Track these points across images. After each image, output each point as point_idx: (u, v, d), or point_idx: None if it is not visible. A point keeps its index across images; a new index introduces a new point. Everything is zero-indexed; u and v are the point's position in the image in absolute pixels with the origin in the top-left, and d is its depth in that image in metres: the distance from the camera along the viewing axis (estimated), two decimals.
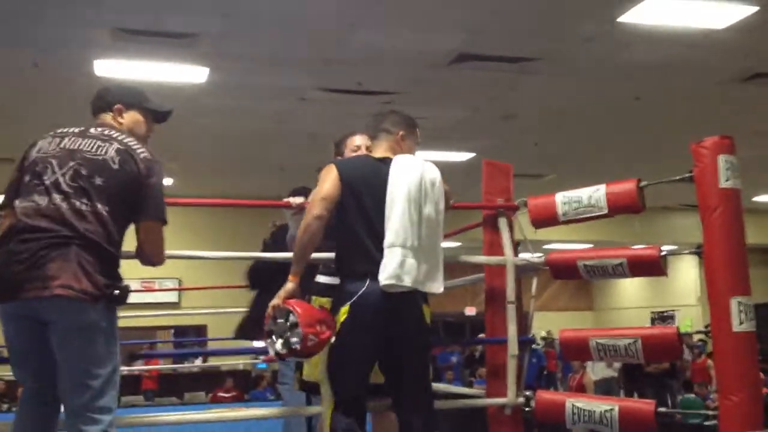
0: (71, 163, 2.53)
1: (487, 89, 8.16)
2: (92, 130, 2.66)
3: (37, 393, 2.58)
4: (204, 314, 11.25)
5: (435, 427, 2.84)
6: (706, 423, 6.57)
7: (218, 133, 9.66)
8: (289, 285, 2.83)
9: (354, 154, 3.34)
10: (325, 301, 3.07)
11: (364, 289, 2.77)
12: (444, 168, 10.74)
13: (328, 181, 2.88)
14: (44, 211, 2.46)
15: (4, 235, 2.50)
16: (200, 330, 12.22)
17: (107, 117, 2.77)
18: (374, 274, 2.76)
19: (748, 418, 2.90)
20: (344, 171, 2.92)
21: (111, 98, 2.80)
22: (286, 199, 3.50)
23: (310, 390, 3.26)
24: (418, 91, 8.12)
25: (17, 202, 2.53)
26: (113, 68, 6.90)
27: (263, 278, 4.41)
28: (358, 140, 3.41)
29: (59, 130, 2.67)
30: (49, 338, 2.47)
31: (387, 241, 2.77)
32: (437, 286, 2.85)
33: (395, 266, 2.72)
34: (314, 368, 3.11)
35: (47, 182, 2.51)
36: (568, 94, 8.36)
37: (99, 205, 2.49)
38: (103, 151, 2.56)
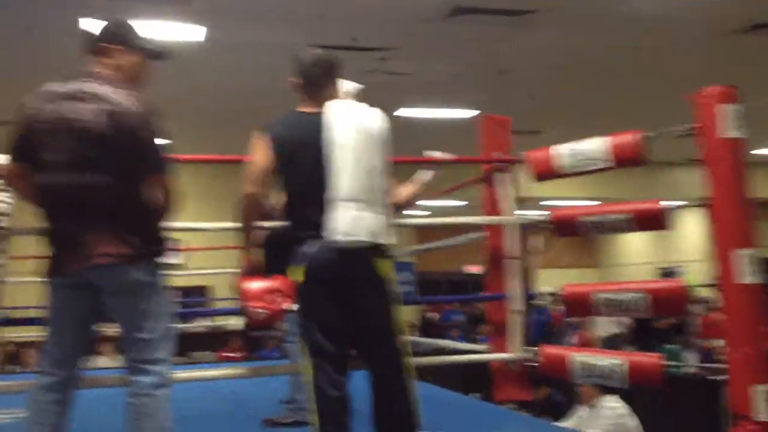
0: (69, 136, 2.48)
1: (482, 43, 8.06)
2: (79, 86, 2.54)
3: (53, 386, 2.57)
4: (209, 274, 11.29)
5: (402, 378, 2.80)
6: (714, 377, 6.62)
7: (213, 91, 9.61)
8: (242, 264, 2.84)
9: None
10: None
11: (315, 249, 2.70)
12: (438, 124, 10.71)
13: (258, 151, 2.80)
14: (62, 190, 2.49)
15: (40, 215, 2.57)
16: (205, 290, 12.27)
17: (98, 62, 2.64)
18: (322, 235, 2.69)
19: (756, 371, 2.89)
20: (275, 135, 2.81)
21: (111, 37, 2.66)
22: None
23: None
24: (413, 45, 8.04)
25: (34, 176, 2.55)
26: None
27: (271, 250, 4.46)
28: None
29: (47, 89, 2.57)
30: (91, 307, 2.57)
31: (337, 196, 2.66)
32: (390, 237, 2.74)
33: (348, 221, 2.65)
34: None
35: (55, 159, 2.49)
36: (565, 47, 8.25)
37: (106, 176, 2.49)
38: (96, 115, 2.49)
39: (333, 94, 2.86)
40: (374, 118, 2.77)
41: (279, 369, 4.47)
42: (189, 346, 11.50)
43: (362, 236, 2.64)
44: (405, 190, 3.45)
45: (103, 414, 4.66)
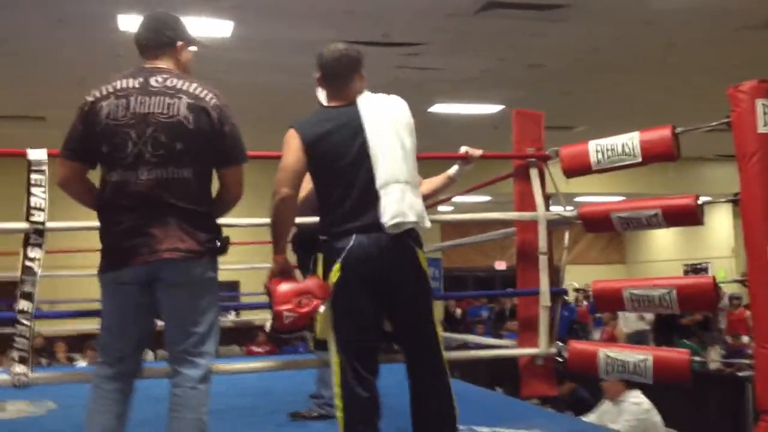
0: (148, 131, 2.48)
1: (513, 38, 8.02)
2: (153, 81, 2.55)
3: (116, 376, 2.60)
4: (236, 269, 11.35)
5: (442, 373, 2.79)
6: (742, 374, 6.58)
7: (244, 89, 9.63)
8: (273, 266, 2.82)
9: None
10: None
11: (351, 243, 2.69)
12: (470, 120, 10.66)
13: (291, 152, 2.77)
14: (134, 188, 2.49)
15: (102, 210, 2.58)
16: (233, 285, 12.35)
17: (166, 58, 2.64)
18: (359, 228, 2.68)
19: None
20: (306, 133, 2.78)
21: (172, 34, 2.66)
22: None
23: (324, 348, 3.27)
24: (444, 41, 8.01)
25: (104, 174, 2.54)
26: (138, 23, 6.87)
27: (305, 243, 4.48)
28: None
29: (118, 86, 2.55)
30: (151, 300, 2.57)
31: (380, 181, 2.66)
32: (428, 222, 2.76)
33: (396, 203, 2.64)
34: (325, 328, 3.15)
35: (130, 155, 2.49)
36: (597, 42, 8.18)
37: (185, 170, 2.51)
38: (175, 109, 2.50)
39: (358, 88, 2.85)
40: (400, 107, 2.81)
41: (306, 364, 4.49)
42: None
43: (411, 217, 2.65)
44: (430, 183, 3.47)
45: (141, 405, 4.75)
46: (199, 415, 2.54)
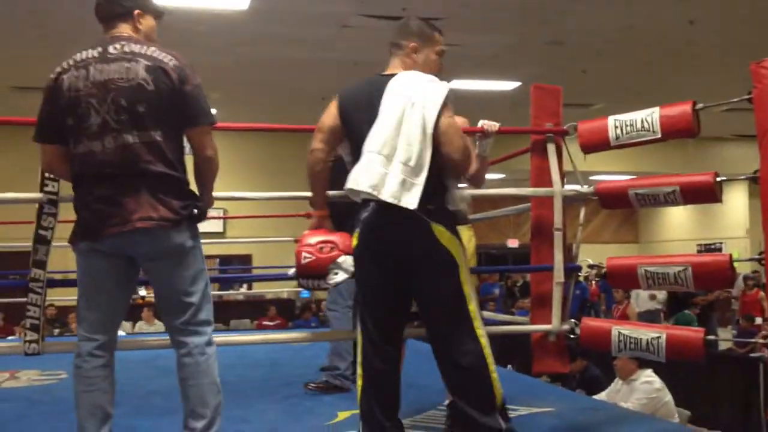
0: (109, 97, 2.47)
1: (535, 14, 7.92)
2: (111, 49, 2.54)
3: (96, 352, 2.59)
4: (249, 243, 11.38)
5: (467, 352, 2.60)
6: (754, 354, 6.55)
7: (259, 62, 9.60)
8: (312, 220, 2.89)
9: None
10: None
11: (366, 213, 2.67)
12: (489, 97, 10.61)
13: (326, 111, 2.82)
14: (102, 156, 2.47)
15: (74, 182, 2.57)
16: (245, 259, 12.41)
17: (124, 26, 2.63)
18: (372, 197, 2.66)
19: None
20: (342, 97, 2.81)
21: (130, 3, 2.64)
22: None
23: None
24: (464, 16, 7.93)
25: (73, 148, 2.52)
26: None
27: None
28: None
29: (78, 57, 2.54)
30: (127, 272, 2.58)
31: (366, 148, 2.65)
32: (410, 201, 2.56)
33: (358, 168, 2.63)
34: None
35: (94, 124, 2.47)
36: (618, 19, 8.08)
37: (150, 133, 2.48)
38: (133, 73, 2.48)
39: (403, 61, 2.82)
40: (427, 91, 2.68)
41: (317, 336, 4.50)
42: (228, 314, 11.70)
43: (365, 187, 2.58)
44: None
45: (148, 376, 4.79)
46: (213, 378, 2.59)
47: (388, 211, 2.57)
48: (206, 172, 2.66)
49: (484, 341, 2.62)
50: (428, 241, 2.58)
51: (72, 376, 2.62)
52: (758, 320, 9.88)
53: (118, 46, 2.53)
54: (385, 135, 2.61)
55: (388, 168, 2.58)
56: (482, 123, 3.35)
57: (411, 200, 2.53)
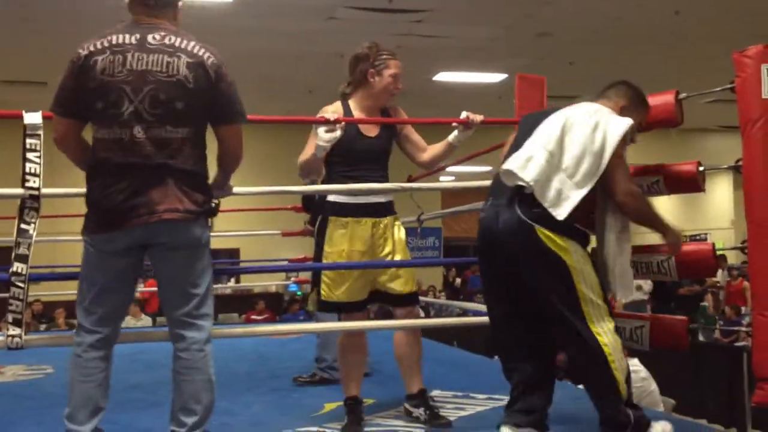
0: (146, 89, 2.44)
1: (521, 5, 7.93)
2: (150, 39, 2.50)
3: (96, 344, 2.58)
4: (236, 236, 11.36)
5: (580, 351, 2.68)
6: (739, 343, 6.61)
7: (245, 54, 9.54)
8: None
9: (388, 82, 3.22)
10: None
11: (486, 212, 2.81)
12: (476, 89, 10.62)
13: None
14: (130, 146, 2.45)
15: (93, 169, 2.53)
16: (232, 253, 12.37)
17: (165, 16, 2.58)
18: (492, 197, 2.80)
19: None
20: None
21: None
22: None
23: (329, 310, 3.28)
24: (450, 8, 7.93)
25: (97, 132, 2.50)
26: None
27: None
28: (393, 67, 3.24)
29: (113, 40, 2.49)
30: (137, 265, 2.58)
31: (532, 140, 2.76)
32: (560, 212, 2.61)
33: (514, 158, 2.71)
34: (333, 290, 3.16)
35: (126, 112, 2.44)
36: (605, 11, 8.10)
37: (183, 129, 2.48)
38: (174, 68, 2.46)
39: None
40: (614, 117, 2.76)
41: (305, 329, 4.50)
42: (216, 308, 11.67)
43: (525, 176, 2.63)
44: (431, 150, 3.42)
45: (131, 370, 4.77)
46: (208, 376, 2.58)
47: (501, 207, 2.66)
48: (231, 165, 2.71)
49: (604, 339, 2.62)
50: (533, 245, 2.61)
51: (69, 364, 2.60)
52: (744, 310, 9.96)
53: (158, 36, 2.50)
54: (553, 133, 2.65)
55: (551, 169, 2.61)
56: (466, 114, 3.34)
57: (562, 211, 2.58)
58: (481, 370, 4.93)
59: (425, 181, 3.97)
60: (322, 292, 3.20)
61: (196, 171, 2.54)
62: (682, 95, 3.16)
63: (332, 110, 3.23)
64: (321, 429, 3.20)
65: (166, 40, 2.50)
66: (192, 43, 2.53)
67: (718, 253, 3.18)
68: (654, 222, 2.77)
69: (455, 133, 3.39)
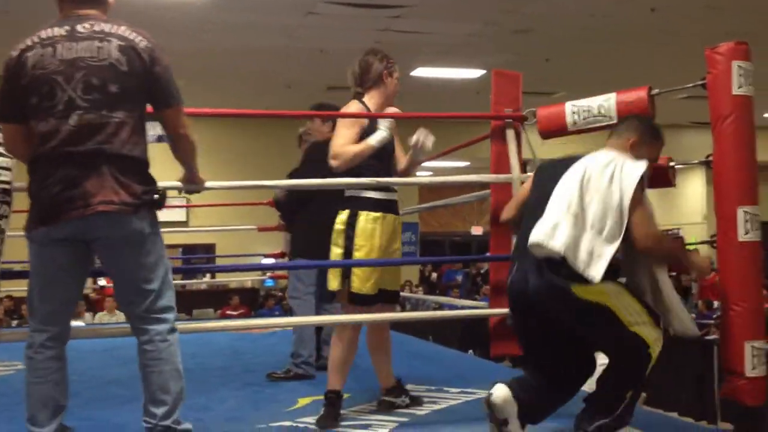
0: (78, 75, 2.42)
1: (499, 2, 7.95)
2: (80, 28, 2.48)
3: (47, 343, 2.54)
4: (212, 231, 11.31)
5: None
6: (709, 337, 6.67)
7: (224, 49, 9.52)
8: None
9: (396, 83, 3.40)
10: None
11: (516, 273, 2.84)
12: (454, 85, 10.63)
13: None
14: (65, 135, 2.41)
15: (33, 163, 2.49)
16: (208, 248, 12.32)
17: (94, 7, 2.55)
18: None
19: (749, 328, 2.89)
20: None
21: None
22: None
23: (361, 303, 3.29)
24: (429, 3, 7.93)
25: (35, 127, 2.46)
26: None
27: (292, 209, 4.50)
28: (398, 71, 3.44)
29: (42, 35, 2.47)
30: (84, 259, 2.53)
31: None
32: (594, 274, 2.60)
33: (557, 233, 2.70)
34: (364, 283, 3.22)
35: (60, 102, 2.42)
36: (583, 8, 8.14)
37: (120, 113, 2.45)
38: (105, 52, 2.44)
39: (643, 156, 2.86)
40: (628, 164, 2.74)
41: (281, 324, 4.49)
42: (191, 304, 11.61)
43: (555, 248, 2.63)
44: (403, 160, 3.48)
45: (107, 365, 4.74)
46: (176, 366, 2.56)
47: (538, 276, 2.64)
48: (183, 149, 2.65)
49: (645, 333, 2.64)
50: (575, 304, 2.61)
51: (25, 368, 2.57)
52: (715, 304, 10.07)
53: (87, 25, 2.48)
54: (573, 194, 2.64)
55: (578, 231, 2.60)
56: (416, 138, 3.36)
57: (597, 271, 2.56)
58: (455, 365, 4.96)
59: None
60: (354, 284, 3.24)
61: (134, 156, 2.48)
62: (655, 91, 3.20)
63: (356, 108, 3.34)
64: (295, 424, 3.19)
65: (96, 27, 2.48)
66: (123, 28, 2.50)
67: (690, 248, 3.22)
68: (678, 261, 2.81)
69: (409, 155, 3.45)
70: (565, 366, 2.79)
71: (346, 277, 3.27)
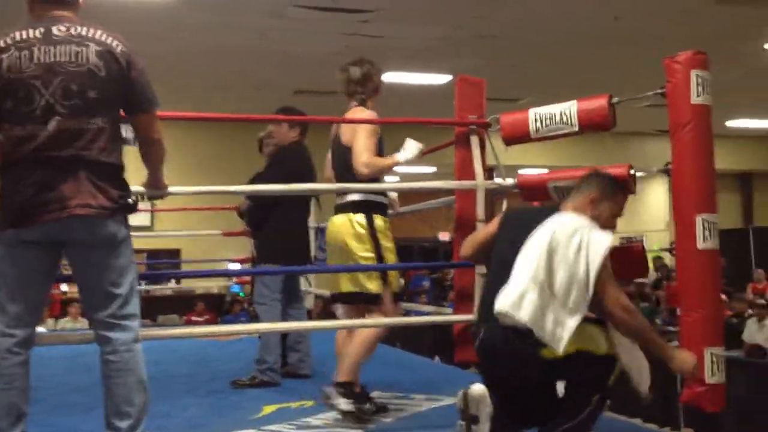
0: (56, 80, 2.40)
1: (466, 7, 8.00)
2: (55, 30, 2.46)
3: (15, 349, 2.48)
4: (177, 236, 11.20)
5: None
6: (672, 344, 6.76)
7: (191, 51, 9.44)
8: None
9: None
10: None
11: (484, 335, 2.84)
12: (421, 91, 10.63)
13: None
14: (44, 140, 2.39)
15: (5, 166, 2.46)
16: (173, 253, 12.19)
17: (65, 10, 2.52)
18: None
19: (708, 334, 2.94)
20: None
21: None
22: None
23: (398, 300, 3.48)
24: (395, 8, 7.95)
25: (9, 130, 2.43)
26: None
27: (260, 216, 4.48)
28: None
29: (17, 38, 2.44)
30: (53, 262, 2.51)
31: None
32: (560, 346, 2.61)
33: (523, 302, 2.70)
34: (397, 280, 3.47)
35: (39, 107, 2.40)
36: (549, 15, 8.22)
37: (98, 119, 2.44)
38: (83, 58, 2.43)
39: (604, 212, 2.88)
40: (595, 236, 2.72)
41: (246, 331, 4.45)
42: (156, 310, 11.48)
43: (521, 318, 2.63)
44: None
45: (69, 372, 4.67)
46: (140, 377, 2.53)
47: (504, 342, 2.63)
48: (154, 154, 2.66)
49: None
50: (546, 366, 2.63)
51: None
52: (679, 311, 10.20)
53: (62, 27, 2.46)
54: (540, 261, 2.62)
55: (544, 302, 2.59)
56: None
57: (562, 342, 2.56)
58: (422, 371, 4.96)
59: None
60: (393, 285, 3.43)
61: (111, 162, 2.48)
62: (615, 99, 3.24)
63: (369, 115, 3.49)
64: (259, 431, 3.17)
65: (72, 31, 2.46)
66: (99, 32, 2.49)
67: (652, 255, 3.26)
68: (651, 341, 2.69)
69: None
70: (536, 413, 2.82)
71: (384, 279, 3.38)
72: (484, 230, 3.07)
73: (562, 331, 2.56)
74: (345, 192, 3.40)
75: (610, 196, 2.84)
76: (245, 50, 9.38)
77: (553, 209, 2.82)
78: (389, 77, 10.76)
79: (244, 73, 10.45)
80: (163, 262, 11.19)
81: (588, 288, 2.59)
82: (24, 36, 2.43)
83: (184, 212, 9.63)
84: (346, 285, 3.38)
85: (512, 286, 2.64)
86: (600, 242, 2.64)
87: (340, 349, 3.47)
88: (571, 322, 2.58)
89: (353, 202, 3.38)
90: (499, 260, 2.82)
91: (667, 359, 2.66)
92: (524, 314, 2.57)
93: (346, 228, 3.34)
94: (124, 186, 2.54)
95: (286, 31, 8.57)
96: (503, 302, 2.62)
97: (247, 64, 10.00)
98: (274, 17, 8.19)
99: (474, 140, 3.69)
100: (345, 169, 3.40)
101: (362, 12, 8.09)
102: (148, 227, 12.14)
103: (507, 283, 2.65)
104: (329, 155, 3.65)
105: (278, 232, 4.36)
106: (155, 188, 2.82)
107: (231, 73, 10.50)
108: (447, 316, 3.90)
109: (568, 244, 2.62)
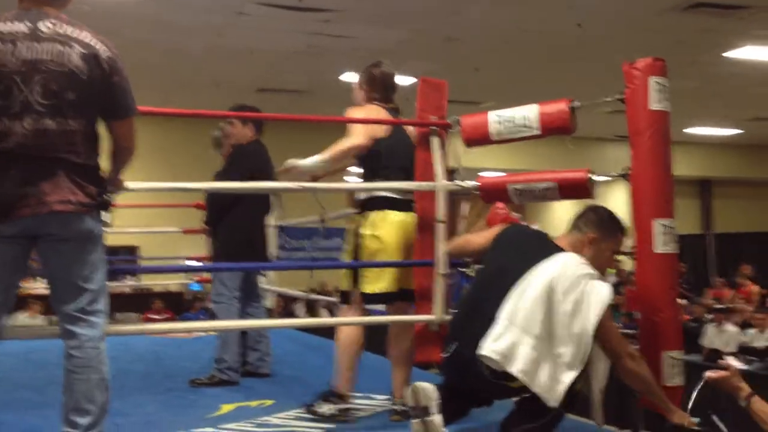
0: (37, 77, 2.38)
1: (429, 10, 8.03)
2: (42, 27, 2.43)
3: None
4: (136, 233, 11.05)
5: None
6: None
7: (151, 47, 9.35)
8: None
9: None
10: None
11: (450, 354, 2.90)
12: None
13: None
14: (20, 138, 2.37)
15: None
16: (131, 250, 12.04)
17: (54, 5, 2.51)
18: None
19: (666, 338, 2.98)
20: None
21: None
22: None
23: (378, 302, 3.50)
24: (359, 8, 7.96)
25: None
26: None
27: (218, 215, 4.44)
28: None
29: (3, 29, 2.40)
30: (26, 256, 2.50)
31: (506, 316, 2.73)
32: (555, 398, 2.63)
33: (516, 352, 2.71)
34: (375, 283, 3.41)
35: (17, 103, 2.38)
36: (512, 20, 8.29)
37: (75, 121, 2.44)
38: (67, 58, 2.41)
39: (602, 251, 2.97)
40: (594, 287, 2.75)
41: (204, 328, 4.42)
42: (113, 307, 11.31)
43: (513, 369, 2.66)
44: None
45: (20, 368, 4.58)
46: (103, 375, 2.53)
47: (478, 370, 2.64)
48: (124, 158, 2.67)
49: None
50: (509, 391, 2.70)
51: None
52: (637, 315, 10.34)
53: (49, 24, 2.44)
54: (537, 313, 2.60)
55: (539, 356, 2.58)
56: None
57: (557, 396, 2.57)
58: (382, 372, 4.95)
59: (329, 180, 3.98)
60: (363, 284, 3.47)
61: (89, 164, 2.50)
62: (575, 104, 3.27)
63: (385, 115, 3.72)
64: (215, 430, 3.15)
65: (59, 29, 2.45)
66: (85, 33, 2.48)
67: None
68: (654, 392, 2.75)
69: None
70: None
71: (354, 278, 3.45)
72: (477, 242, 3.09)
73: (558, 385, 2.58)
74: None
75: (609, 237, 2.89)
76: (206, 46, 9.33)
77: (548, 241, 2.87)
78: (350, 77, 10.75)
79: (204, 70, 10.38)
80: (122, 259, 11.03)
81: (587, 344, 2.60)
82: (9, 29, 2.42)
83: (142, 209, 9.50)
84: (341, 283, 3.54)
85: (501, 329, 2.62)
86: (599, 296, 2.64)
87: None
88: (568, 378, 2.59)
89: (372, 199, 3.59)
90: (483, 281, 2.84)
91: (667, 411, 2.75)
92: (517, 367, 2.57)
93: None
94: (101, 183, 2.55)
95: (246, 29, 8.54)
96: (492, 348, 2.60)
97: (208, 60, 9.94)
98: (235, 14, 8.15)
99: (435, 141, 3.70)
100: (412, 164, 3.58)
101: (324, 11, 8.09)
102: (106, 223, 11.97)
103: (494, 322, 2.63)
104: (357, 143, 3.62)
105: (236, 230, 4.34)
106: (112, 185, 2.80)
107: (190, 69, 10.42)
108: (409, 316, 3.90)
109: (567, 298, 2.61)
